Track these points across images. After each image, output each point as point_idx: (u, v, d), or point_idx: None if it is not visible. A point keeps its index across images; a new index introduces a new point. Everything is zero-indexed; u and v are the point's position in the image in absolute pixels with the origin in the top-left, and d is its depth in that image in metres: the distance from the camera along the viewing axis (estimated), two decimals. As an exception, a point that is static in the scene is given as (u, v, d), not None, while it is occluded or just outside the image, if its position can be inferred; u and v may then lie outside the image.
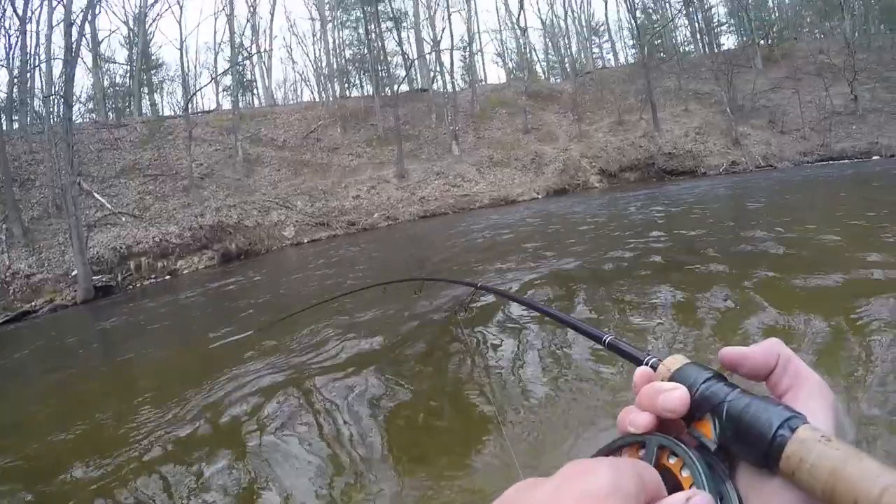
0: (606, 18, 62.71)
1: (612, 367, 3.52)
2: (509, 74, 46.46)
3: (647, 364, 0.58)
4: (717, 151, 29.79)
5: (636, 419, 0.51)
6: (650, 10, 52.03)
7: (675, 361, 0.54)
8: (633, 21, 41.71)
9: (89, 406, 4.82)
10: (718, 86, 33.99)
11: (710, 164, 28.63)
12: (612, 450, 0.51)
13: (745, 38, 45.63)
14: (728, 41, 53.29)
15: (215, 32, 54.42)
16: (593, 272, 6.71)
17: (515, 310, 5.03)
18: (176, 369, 5.39)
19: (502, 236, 12.27)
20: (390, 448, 3.15)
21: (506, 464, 2.81)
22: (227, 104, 38.79)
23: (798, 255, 5.88)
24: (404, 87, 37.81)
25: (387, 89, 36.14)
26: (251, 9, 39.17)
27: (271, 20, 45.52)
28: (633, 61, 47.47)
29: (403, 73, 39.75)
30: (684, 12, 49.38)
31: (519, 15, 44.88)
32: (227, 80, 38.19)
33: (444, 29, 41.88)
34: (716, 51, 44.78)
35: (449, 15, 41.39)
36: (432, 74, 39.82)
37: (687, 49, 51.86)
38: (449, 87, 37.45)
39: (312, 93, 47.49)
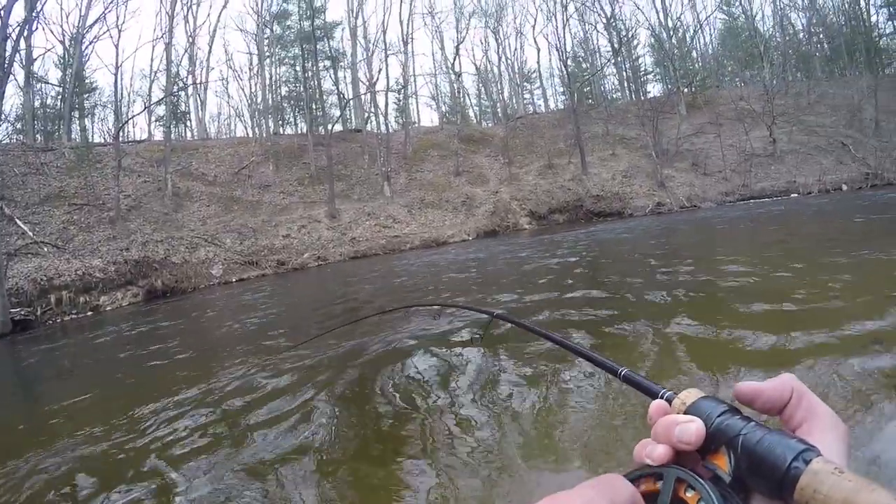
0: (538, 66, 64.75)
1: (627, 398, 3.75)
2: (442, 118, 47.23)
3: (662, 398, 0.60)
4: (643, 193, 31.03)
5: (653, 451, 0.52)
6: (580, 59, 54.05)
7: (691, 395, 0.56)
8: (563, 69, 43.11)
9: None
10: (644, 131, 35.55)
11: (636, 206, 29.72)
12: (629, 481, 0.52)
13: (669, 86, 48.16)
14: (654, 89, 56.17)
15: (152, 60, 53.36)
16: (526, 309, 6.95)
17: (530, 340, 5.15)
18: (91, 414, 5.38)
19: (435, 276, 12.51)
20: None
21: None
22: (158, 135, 38.23)
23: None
24: (338, 127, 38.05)
25: (321, 128, 36.25)
26: (190, 38, 39.01)
27: (209, 52, 45.49)
28: (563, 107, 49.28)
29: (338, 112, 40.09)
30: (613, 62, 51.50)
31: (454, 60, 46.21)
32: (161, 110, 37.70)
33: (380, 70, 42.46)
34: (642, 98, 47.13)
35: (386, 57, 42.37)
36: (366, 115, 40.33)
37: (615, 96, 54.40)
38: (383, 128, 38.00)
39: (246, 128, 47.36)
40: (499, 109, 51.79)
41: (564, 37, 44.62)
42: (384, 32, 44.22)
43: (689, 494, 0.48)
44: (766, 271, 7.12)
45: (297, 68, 41.89)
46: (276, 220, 26.54)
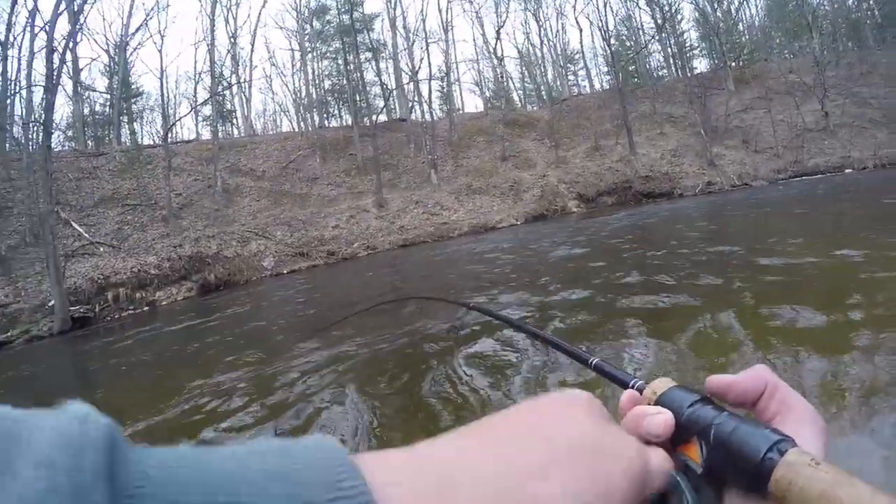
0: (581, 46, 63.39)
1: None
2: (486, 103, 47.00)
3: (633, 387, 0.58)
4: (692, 173, 30.27)
5: None
6: (623, 38, 53.28)
7: (662, 384, 0.54)
8: (607, 48, 42.50)
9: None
10: (692, 108, 34.83)
11: (686, 186, 28.99)
12: None
13: (716, 61, 46.75)
14: (700, 65, 54.60)
15: (195, 62, 54.57)
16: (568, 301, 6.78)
17: (506, 330, 5.12)
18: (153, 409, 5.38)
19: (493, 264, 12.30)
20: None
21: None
22: (206, 134, 38.80)
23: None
24: (382, 117, 38.08)
25: (365, 119, 36.42)
26: (231, 39, 39.46)
27: (251, 50, 45.77)
28: (608, 87, 48.47)
29: (382, 103, 40.03)
30: (657, 38, 50.31)
31: (495, 45, 45.70)
32: (207, 110, 38.16)
33: (422, 59, 42.19)
34: (688, 74, 45.96)
35: (427, 46, 41.96)
36: (410, 104, 40.38)
37: (660, 74, 53.36)
38: (427, 116, 37.91)
39: (291, 123, 47.85)
40: (543, 92, 51.32)
41: (606, 15, 44.43)
42: (423, 21, 44.19)
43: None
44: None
45: (339, 61, 42.10)
46: (324, 212, 26.64)
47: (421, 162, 33.05)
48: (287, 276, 20.30)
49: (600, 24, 43.83)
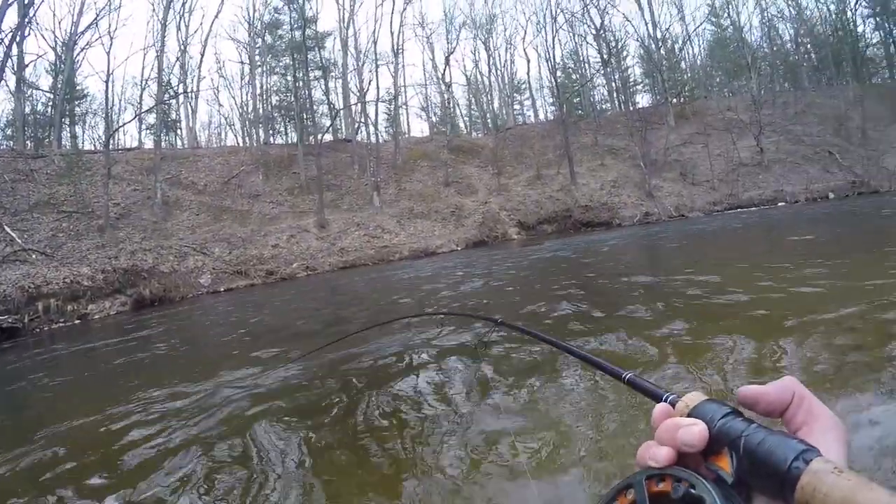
0: (528, 77, 65.21)
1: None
2: (432, 128, 47.49)
3: (666, 401, 0.61)
4: (631, 203, 31.43)
5: (657, 453, 0.53)
6: (570, 70, 54.63)
7: (694, 398, 0.57)
8: (553, 80, 43.72)
9: None
10: (633, 141, 36.30)
11: (624, 216, 30.10)
12: (629, 484, 0.54)
13: (658, 97, 48.84)
14: (642, 99, 56.72)
15: (143, 67, 53.74)
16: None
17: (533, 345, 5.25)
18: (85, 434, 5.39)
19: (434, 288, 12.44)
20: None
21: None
22: (149, 143, 38.04)
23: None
24: (328, 137, 38.38)
25: (311, 138, 36.31)
26: (182, 47, 38.97)
27: (201, 60, 45.00)
28: (552, 118, 49.69)
29: (328, 122, 40.34)
30: (602, 72, 52.15)
31: (444, 71, 46.43)
32: (152, 118, 37.65)
33: (371, 81, 42.85)
34: (631, 108, 47.56)
35: (377, 67, 42.49)
36: (357, 125, 40.51)
37: (604, 107, 55.18)
38: (373, 138, 38.23)
39: (236, 137, 47.22)
40: (488, 120, 52.37)
41: (554, 48, 45.27)
42: (375, 43, 44.28)
43: (693, 494, 0.49)
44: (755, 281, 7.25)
45: (289, 78, 41.94)
46: (265, 230, 26.52)
47: (364, 184, 33.21)
48: (224, 294, 20.12)
49: (548, 57, 45.33)
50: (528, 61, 71.87)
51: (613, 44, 49.92)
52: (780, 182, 32.07)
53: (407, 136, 48.02)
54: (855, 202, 24.90)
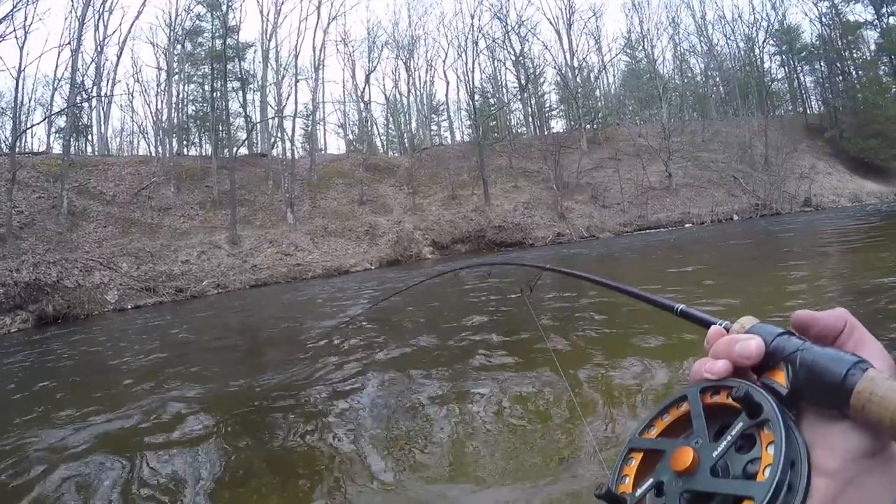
0: (447, 99, 65.93)
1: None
2: (349, 146, 47.66)
3: (719, 325, 0.62)
4: (543, 224, 32.58)
5: (713, 366, 0.54)
6: (488, 94, 55.93)
7: (749, 320, 0.58)
8: (471, 103, 44.76)
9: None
10: (546, 165, 37.62)
11: (537, 236, 31.23)
12: (683, 396, 0.57)
13: (572, 123, 51.06)
14: (557, 125, 58.57)
15: (57, 66, 51.53)
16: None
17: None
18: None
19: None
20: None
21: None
22: (57, 147, 36.58)
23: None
24: (243, 151, 37.95)
25: (225, 151, 36.03)
26: (99, 47, 37.81)
27: (117, 62, 43.30)
28: (468, 140, 50.65)
29: (244, 135, 39.88)
30: (519, 97, 53.65)
31: (364, 89, 46.59)
32: (62, 121, 36.42)
33: (289, 95, 42.53)
34: (546, 133, 49.35)
35: (296, 82, 42.46)
36: (273, 140, 40.26)
37: (520, 131, 56.59)
38: (288, 153, 38.09)
39: (149, 146, 45.76)
40: (405, 140, 53.07)
41: (473, 71, 46.36)
42: (296, 57, 43.93)
43: (752, 397, 0.50)
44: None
45: (206, 87, 41.18)
46: (175, 245, 25.96)
47: (278, 200, 33.05)
48: (132, 311, 19.61)
49: (467, 80, 46.33)
50: (448, 83, 72.66)
51: (531, 70, 51.84)
52: (688, 205, 34.18)
53: (323, 152, 48.02)
54: (757, 223, 26.96)
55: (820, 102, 58.49)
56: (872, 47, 53.45)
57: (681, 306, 0.75)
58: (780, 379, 0.51)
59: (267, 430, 5.10)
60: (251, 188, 33.94)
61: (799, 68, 58.75)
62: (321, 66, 43.39)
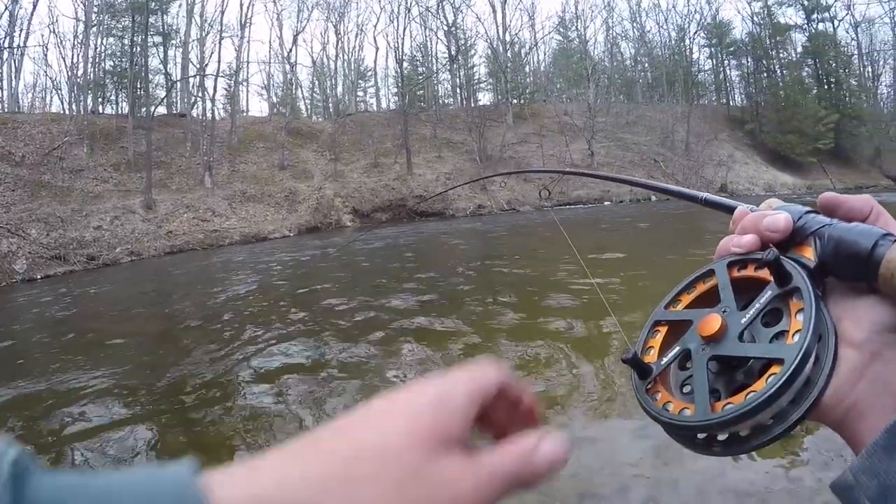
0: (375, 65, 65.49)
1: None
2: (272, 108, 46.91)
3: (745, 207, 0.62)
4: (465, 196, 32.90)
5: (741, 240, 0.54)
6: (417, 63, 55.80)
7: (776, 201, 0.59)
8: (399, 71, 45.03)
9: None
10: (471, 137, 38.45)
11: (458, 207, 31.91)
12: (710, 270, 0.57)
13: (500, 97, 51.41)
14: (484, 98, 58.64)
15: (-33, 15, 47.78)
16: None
17: None
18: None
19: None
20: None
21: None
22: (-38, 103, 34.54)
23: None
24: (162, 110, 36.71)
25: (143, 110, 34.96)
26: (14, -7, 35.69)
27: (33, 11, 40.77)
28: (394, 108, 50.55)
29: (163, 94, 38.79)
30: (448, 68, 53.89)
31: (291, 50, 46.01)
32: (-30, 74, 34.44)
33: (213, 53, 41.50)
34: (472, 105, 49.61)
35: (221, 39, 41.43)
36: (193, 100, 39.37)
37: (446, 101, 56.63)
38: (209, 115, 37.28)
39: (62, 103, 43.54)
40: (330, 105, 52.48)
41: (404, 39, 46.38)
42: (223, 13, 43.13)
43: (782, 264, 0.50)
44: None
45: (126, 41, 39.41)
46: (87, 210, 25.03)
47: (196, 163, 32.35)
48: (41, 281, 18.95)
49: (397, 47, 46.56)
50: (377, 50, 72.59)
51: (463, 41, 52.03)
52: (608, 183, 35.33)
53: (245, 115, 47.17)
54: (677, 204, 28.57)
55: (743, 96, 61.15)
56: (799, 49, 57.41)
57: (704, 195, 0.83)
58: (808, 253, 0.51)
59: (189, 406, 5.41)
60: (168, 150, 32.93)
61: (726, 62, 61.24)
62: (248, 24, 42.71)
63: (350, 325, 7.87)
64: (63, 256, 21.34)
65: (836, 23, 56.40)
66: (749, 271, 0.54)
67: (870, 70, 61.24)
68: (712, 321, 0.51)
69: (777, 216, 0.53)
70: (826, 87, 55.48)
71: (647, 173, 38.16)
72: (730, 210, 0.64)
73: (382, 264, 15.18)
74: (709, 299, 0.57)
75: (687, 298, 0.59)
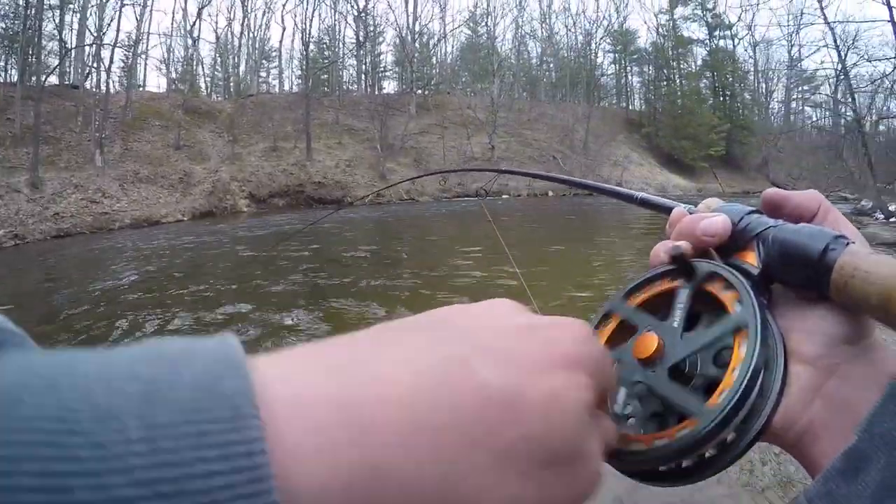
0: (280, 45, 64.44)
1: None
2: (170, 84, 45.51)
3: (683, 208, 0.58)
4: (363, 184, 33.44)
5: (672, 247, 0.49)
6: (324, 46, 55.74)
7: (714, 202, 0.55)
8: (305, 52, 45.00)
9: None
10: (373, 124, 38.53)
11: (356, 195, 31.49)
12: (647, 280, 0.52)
13: (404, 86, 52.29)
14: (389, 86, 59.44)
15: None
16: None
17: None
18: None
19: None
20: None
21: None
22: None
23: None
24: (53, 80, 35.11)
25: (33, 79, 33.37)
26: None
27: None
28: (297, 90, 50.27)
29: (56, 62, 37.10)
30: (355, 54, 54.36)
31: (195, 23, 45.20)
32: None
33: (112, 21, 39.84)
34: (377, 93, 50.11)
35: (122, 6, 39.37)
36: (87, 70, 37.52)
37: (351, 87, 57.09)
38: (104, 87, 35.79)
39: None
40: (231, 84, 51.67)
41: (312, 20, 46.18)
42: (126, -23, 41.18)
43: (715, 285, 0.47)
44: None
45: (20, 1, 36.53)
46: None
47: (87, 139, 30.82)
48: None
49: (304, 28, 46.46)
50: (284, 29, 71.28)
51: (372, 28, 52.40)
52: (506, 178, 36.67)
53: (142, 90, 45.23)
54: (571, 200, 30.30)
55: (643, 101, 64.58)
56: (699, 62, 61.55)
57: (640, 195, 0.80)
58: (751, 259, 0.48)
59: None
60: (58, 124, 31.32)
61: (629, 68, 64.86)
62: (153, -7, 41.18)
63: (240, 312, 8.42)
64: (-59, 241, 19.70)
65: (736, 41, 61.60)
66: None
67: (764, 87, 67.47)
68: (648, 342, 0.46)
69: (714, 219, 0.50)
70: (721, 98, 60.22)
71: (544, 170, 39.06)
72: (667, 210, 0.63)
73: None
74: (667, 302, 0.50)
75: (645, 294, 0.53)
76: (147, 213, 26.83)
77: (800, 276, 0.45)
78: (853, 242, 0.43)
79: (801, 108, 66.78)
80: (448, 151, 38.53)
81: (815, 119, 58.01)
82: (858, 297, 0.40)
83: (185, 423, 0.20)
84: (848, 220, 0.49)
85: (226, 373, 0.22)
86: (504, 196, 34.95)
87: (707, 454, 0.42)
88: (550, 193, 35.26)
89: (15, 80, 34.34)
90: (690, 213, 0.55)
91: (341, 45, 57.44)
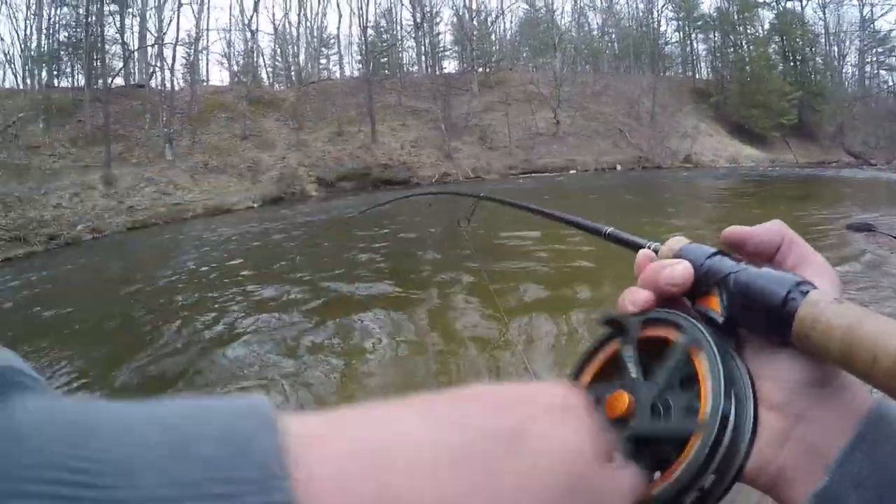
0: (338, 32, 64.66)
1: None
2: (233, 77, 45.99)
3: (648, 248, 0.58)
4: (429, 164, 32.99)
5: (636, 296, 0.50)
6: (382, 30, 55.37)
7: (677, 241, 0.54)
8: (363, 37, 44.66)
9: None
10: (436, 105, 37.91)
11: (423, 175, 31.68)
12: (592, 352, 0.52)
13: (465, 65, 51.20)
14: (450, 65, 58.28)
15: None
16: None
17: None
18: None
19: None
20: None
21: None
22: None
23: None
24: (119, 81, 35.93)
25: (100, 82, 34.18)
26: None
27: None
28: (358, 75, 50.20)
29: (120, 64, 37.93)
30: (413, 35, 53.80)
31: (252, 16, 45.22)
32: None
33: (171, 21, 40.41)
34: (437, 73, 49.19)
35: (179, 6, 40.13)
36: (151, 70, 38.33)
37: (411, 69, 56.03)
38: (168, 85, 36.53)
39: (16, 78, 42.30)
40: (293, 73, 51.85)
41: (368, 5, 45.77)
42: (181, -21, 41.79)
43: (658, 330, 0.48)
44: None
45: (81, 11, 37.69)
46: (45, 188, 24.45)
47: (156, 135, 31.56)
48: (1, 265, 18.06)
49: (361, 13, 45.99)
50: (340, 16, 71.32)
51: (428, 9, 51.55)
52: (573, 152, 35.78)
53: (205, 84, 45.93)
54: (640, 174, 28.97)
55: (709, 69, 61.28)
56: (766, 26, 57.14)
57: (609, 229, 0.78)
58: (715, 306, 0.47)
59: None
60: (127, 123, 32.21)
61: (693, 35, 61.38)
62: (208, -10, 41.57)
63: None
64: (23, 237, 20.52)
65: (804, 2, 57.13)
66: (653, 331, 0.49)
67: (836, 49, 61.94)
68: (619, 400, 0.45)
69: (675, 268, 0.49)
70: (792, 63, 55.97)
71: (612, 143, 38.61)
72: (634, 248, 0.62)
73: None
74: (616, 366, 0.51)
75: (591, 369, 0.53)
76: (218, 201, 26.99)
77: (762, 325, 0.44)
78: (814, 288, 0.43)
79: (876, 71, 61.91)
80: (512, 128, 37.39)
81: (891, 83, 54.74)
82: (820, 349, 0.40)
83: (210, 482, 0.19)
84: (813, 250, 0.48)
85: (258, 430, 0.22)
86: (571, 171, 33.85)
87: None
88: (618, 167, 33.83)
89: (83, 84, 35.05)
90: (656, 253, 0.56)
91: (399, 28, 57.01)
